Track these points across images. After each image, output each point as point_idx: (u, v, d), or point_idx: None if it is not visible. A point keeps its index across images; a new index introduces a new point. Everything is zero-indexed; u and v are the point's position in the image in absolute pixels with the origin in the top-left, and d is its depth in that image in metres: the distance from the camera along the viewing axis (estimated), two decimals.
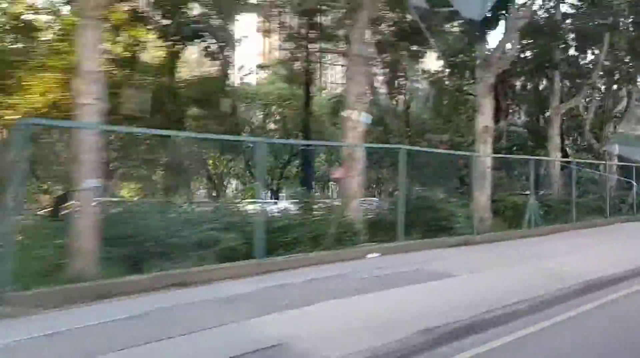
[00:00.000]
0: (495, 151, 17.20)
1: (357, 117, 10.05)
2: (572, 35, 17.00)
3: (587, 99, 19.52)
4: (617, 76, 19.18)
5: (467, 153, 12.53)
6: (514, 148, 18.73)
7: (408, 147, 10.47)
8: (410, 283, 7.01)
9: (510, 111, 19.80)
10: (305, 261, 8.29)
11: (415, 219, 11.29)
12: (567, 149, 25.21)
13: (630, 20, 20.07)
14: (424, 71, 22.20)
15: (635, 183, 20.33)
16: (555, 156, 16.89)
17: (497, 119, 17.62)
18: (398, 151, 10.47)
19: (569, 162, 16.53)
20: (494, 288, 6.77)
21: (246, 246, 8.02)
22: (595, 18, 15.72)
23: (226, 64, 14.52)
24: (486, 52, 13.94)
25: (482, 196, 13.86)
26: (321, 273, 7.70)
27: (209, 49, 14.07)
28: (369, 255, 9.13)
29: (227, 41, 14.19)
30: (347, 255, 8.95)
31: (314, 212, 9.78)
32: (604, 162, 18.81)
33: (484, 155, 13.88)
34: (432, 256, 9.52)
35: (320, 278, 7.31)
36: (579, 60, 18.03)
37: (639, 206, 19.76)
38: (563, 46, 16.28)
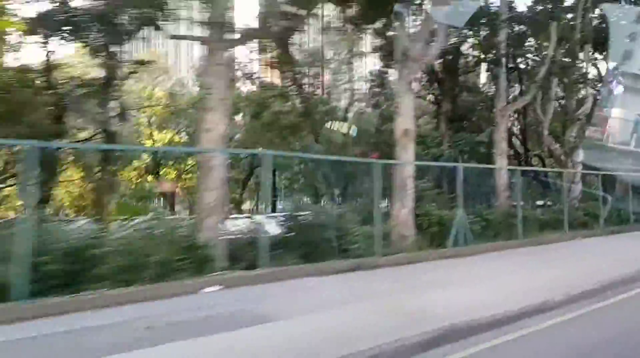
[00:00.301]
0: (435, 158, 15.59)
1: (215, 118, 8.37)
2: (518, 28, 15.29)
3: (546, 100, 17.80)
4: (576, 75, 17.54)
5: (371, 160, 10.80)
6: (462, 155, 16.99)
7: (274, 152, 8.75)
8: (204, 333, 5.27)
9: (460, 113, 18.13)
10: (102, 300, 6.54)
11: (298, 240, 9.63)
12: (542, 157, 23.60)
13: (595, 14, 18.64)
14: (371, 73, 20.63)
15: (603, 193, 18.69)
16: (502, 164, 15.17)
17: (437, 123, 16.01)
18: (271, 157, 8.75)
19: (513, 170, 14.81)
20: (307, 341, 5.04)
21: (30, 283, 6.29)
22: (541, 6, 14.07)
23: (114, 61, 12.86)
24: (406, 44, 12.28)
25: (403, 209, 12.17)
26: (105, 318, 5.97)
27: (91, 45, 12.47)
28: (207, 289, 7.39)
29: (114, 36, 12.55)
30: (175, 289, 7.21)
31: (155, 234, 8.03)
32: (564, 170, 17.05)
33: (404, 163, 12.21)
34: (291, 287, 7.80)
35: (87, 328, 5.57)
36: (526, 55, 16.35)
37: (607, 219, 18.06)
38: (498, 38, 14.57)
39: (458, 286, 7.88)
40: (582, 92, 19.16)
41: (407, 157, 12.34)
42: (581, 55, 18.84)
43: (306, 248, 9.48)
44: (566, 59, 16.00)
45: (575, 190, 18.08)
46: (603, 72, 20.96)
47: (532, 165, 23.94)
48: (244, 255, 8.92)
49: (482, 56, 15.92)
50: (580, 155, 18.30)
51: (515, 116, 20.40)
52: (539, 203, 19.26)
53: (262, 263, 8.34)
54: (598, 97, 22.80)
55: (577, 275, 8.93)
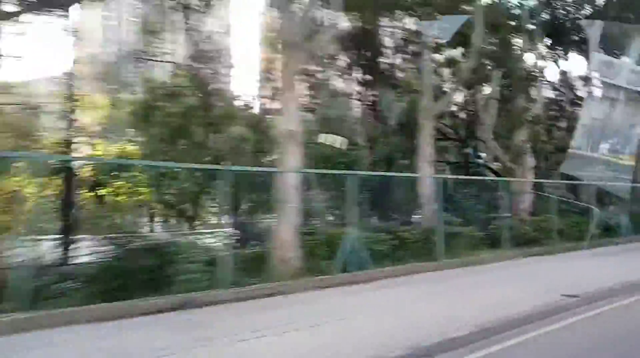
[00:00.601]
0: (347, 165, 13.51)
1: None
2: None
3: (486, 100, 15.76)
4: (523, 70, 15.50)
5: (218, 167, 8.80)
6: (390, 162, 14.94)
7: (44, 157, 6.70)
8: None
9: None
10: None
11: (108, 270, 7.56)
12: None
13: None
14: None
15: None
16: (426, 172, 13.07)
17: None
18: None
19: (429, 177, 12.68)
20: None
21: None
22: None
23: None
24: (287, 30, 10.34)
25: (285, 228, 10.12)
26: None
27: None
28: None
29: None
30: None
31: None
32: (500, 179, 14.96)
33: (286, 170, 10.18)
34: (18, 344, 5.69)
35: None
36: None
37: (561, 233, 15.93)
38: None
39: (267, 337, 5.79)
40: (533, 91, 17.08)
41: (291, 164, 10.31)
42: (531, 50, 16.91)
43: (118, 280, 7.41)
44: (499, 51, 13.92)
45: (525, 201, 15.97)
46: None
47: (498, 174, 21.92)
48: (24, 292, 6.85)
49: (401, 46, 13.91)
50: (530, 161, 16.25)
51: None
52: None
53: (24, 304, 6.25)
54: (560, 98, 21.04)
55: (459, 313, 6.85)
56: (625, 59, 19.27)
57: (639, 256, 13.79)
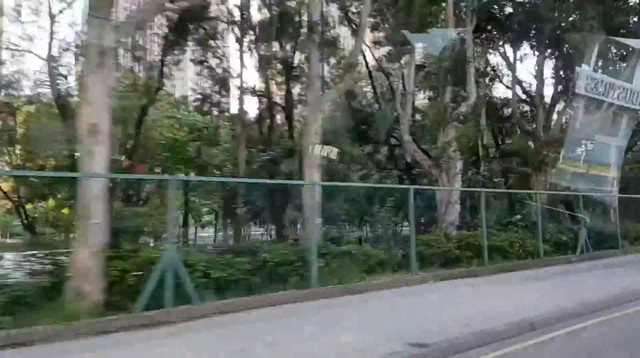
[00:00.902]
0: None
1: None
2: None
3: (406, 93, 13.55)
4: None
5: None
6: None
7: None
8: None
9: None
10: None
11: None
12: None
13: None
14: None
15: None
16: (312, 178, 10.81)
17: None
18: None
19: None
20: None
21: None
22: None
23: None
24: None
25: (84, 251, 7.85)
26: None
27: None
28: None
29: None
30: None
31: None
32: (407, 186, 12.71)
33: (84, 175, 7.93)
34: None
35: None
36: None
37: (496, 250, 13.66)
38: None
39: None
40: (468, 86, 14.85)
41: (94, 166, 8.06)
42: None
43: None
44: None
45: (451, 213, 13.68)
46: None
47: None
48: None
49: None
50: (458, 166, 13.99)
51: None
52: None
53: None
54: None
55: None
56: (585, 67, 17.63)
57: (577, 280, 11.43)
